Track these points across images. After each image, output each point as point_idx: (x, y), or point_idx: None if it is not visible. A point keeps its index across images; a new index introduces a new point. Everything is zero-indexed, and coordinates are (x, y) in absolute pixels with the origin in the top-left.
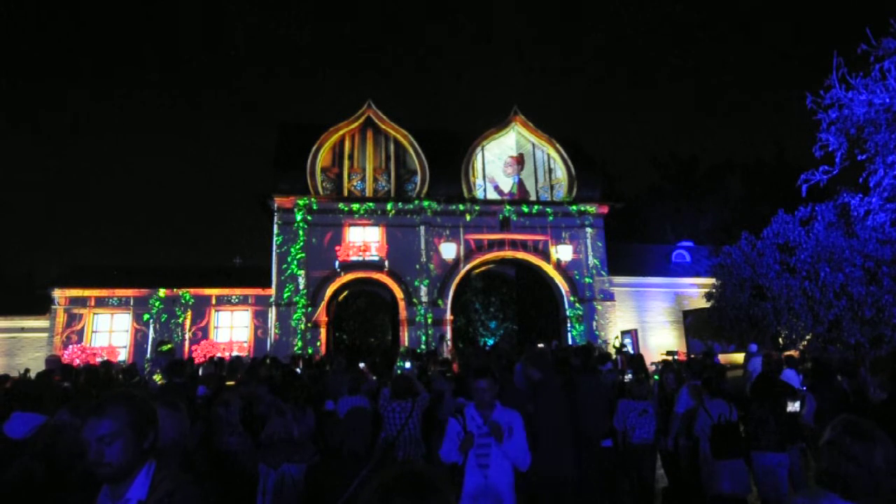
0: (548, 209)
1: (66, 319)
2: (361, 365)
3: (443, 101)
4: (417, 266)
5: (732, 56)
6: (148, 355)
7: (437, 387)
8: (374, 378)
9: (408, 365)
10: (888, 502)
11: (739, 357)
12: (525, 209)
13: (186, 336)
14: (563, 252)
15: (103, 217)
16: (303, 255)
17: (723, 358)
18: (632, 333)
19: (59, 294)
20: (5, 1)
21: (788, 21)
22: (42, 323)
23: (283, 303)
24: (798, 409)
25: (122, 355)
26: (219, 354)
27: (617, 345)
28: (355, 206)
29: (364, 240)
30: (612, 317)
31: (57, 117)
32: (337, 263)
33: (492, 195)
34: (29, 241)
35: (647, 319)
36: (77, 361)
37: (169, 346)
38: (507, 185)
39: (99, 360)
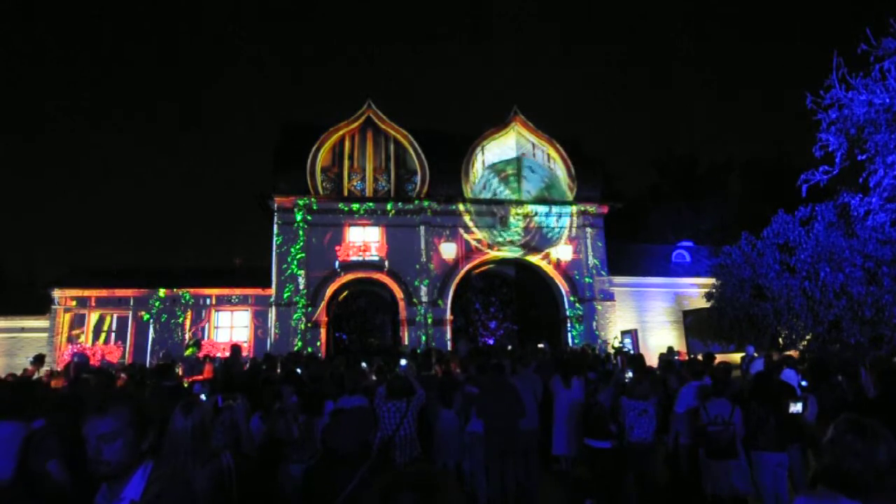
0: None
1: (67, 319)
2: (363, 365)
3: (443, 101)
4: (417, 266)
5: (732, 56)
6: (148, 355)
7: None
8: (374, 377)
9: (403, 363)
10: (891, 499)
11: (739, 357)
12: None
13: (186, 336)
14: (563, 252)
15: (104, 217)
16: (303, 255)
17: (722, 358)
18: (632, 333)
19: (59, 294)
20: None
21: (789, 21)
22: (42, 323)
23: (283, 303)
24: (801, 410)
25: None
26: (218, 354)
27: (617, 345)
28: (355, 206)
29: (364, 240)
30: (612, 317)
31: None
32: (337, 263)
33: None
34: (29, 241)
35: (647, 319)
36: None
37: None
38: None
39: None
